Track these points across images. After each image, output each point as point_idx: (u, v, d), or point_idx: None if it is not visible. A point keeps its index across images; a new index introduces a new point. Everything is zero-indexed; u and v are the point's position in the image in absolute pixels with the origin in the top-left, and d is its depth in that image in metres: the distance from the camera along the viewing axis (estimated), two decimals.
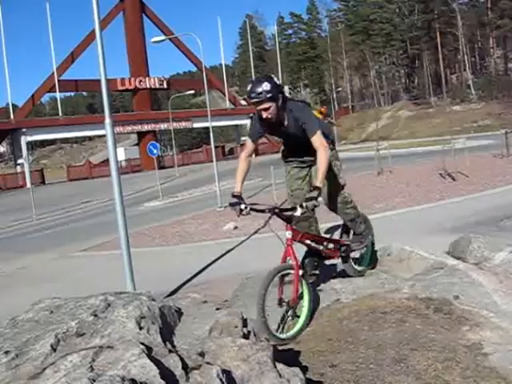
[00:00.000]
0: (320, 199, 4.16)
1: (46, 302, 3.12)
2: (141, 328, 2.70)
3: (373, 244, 5.56)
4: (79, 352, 2.49)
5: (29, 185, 41.40)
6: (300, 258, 4.58)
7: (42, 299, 3.17)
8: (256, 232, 12.84)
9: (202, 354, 2.70)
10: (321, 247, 4.84)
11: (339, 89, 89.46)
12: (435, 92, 77.57)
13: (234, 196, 4.40)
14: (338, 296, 4.72)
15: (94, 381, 2.21)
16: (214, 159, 23.15)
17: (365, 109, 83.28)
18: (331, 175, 4.78)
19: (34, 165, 69.80)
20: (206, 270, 10.23)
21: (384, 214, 14.15)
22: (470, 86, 73.10)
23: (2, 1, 54.49)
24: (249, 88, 4.26)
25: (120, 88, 59.83)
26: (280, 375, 2.69)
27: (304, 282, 4.28)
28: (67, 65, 55.02)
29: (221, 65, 75.76)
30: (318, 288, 4.91)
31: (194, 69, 75.42)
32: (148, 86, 60.63)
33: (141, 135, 60.43)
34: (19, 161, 51.44)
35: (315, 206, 4.12)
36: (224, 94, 66.78)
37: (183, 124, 63.98)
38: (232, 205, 4.36)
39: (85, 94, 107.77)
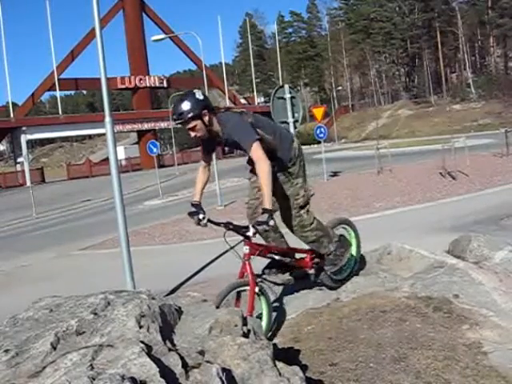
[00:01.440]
0: (271, 222, 3.85)
1: (45, 300, 3.12)
2: (141, 326, 2.70)
3: (358, 250, 5.23)
4: (79, 350, 2.49)
5: (29, 183, 41.37)
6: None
7: (41, 298, 3.17)
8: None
9: (201, 353, 2.70)
10: (287, 259, 4.56)
11: (339, 87, 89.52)
12: (435, 91, 77.57)
13: (192, 205, 4.38)
14: (337, 295, 4.73)
15: (94, 379, 2.21)
16: (214, 158, 23.13)
17: (365, 108, 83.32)
18: (284, 195, 4.44)
19: (33, 163, 69.69)
20: (205, 269, 10.24)
21: (384, 213, 14.16)
22: (470, 85, 73.11)
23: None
24: (171, 109, 4.14)
25: (120, 86, 59.87)
26: (280, 374, 2.69)
27: (263, 298, 4.17)
28: (67, 63, 55.07)
29: (221, 63, 75.76)
30: (318, 287, 4.91)
31: (194, 67, 75.56)
32: (148, 85, 60.68)
33: (141, 134, 60.49)
34: (19, 159, 51.46)
35: (266, 231, 4.04)
36: (224, 93, 66.77)
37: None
38: (190, 214, 4.33)
39: (85, 92, 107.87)
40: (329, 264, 4.67)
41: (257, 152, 3.94)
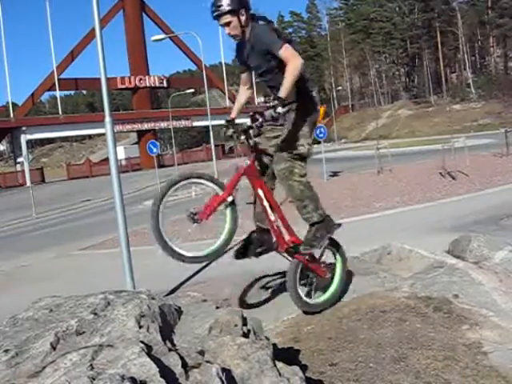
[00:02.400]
0: (279, 109, 3.66)
1: (45, 300, 3.12)
2: (140, 326, 2.70)
3: (343, 265, 4.62)
4: (79, 350, 2.49)
5: (28, 183, 41.38)
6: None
7: (41, 298, 3.17)
8: None
9: (201, 353, 2.70)
10: (272, 216, 4.16)
11: (339, 87, 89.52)
12: (435, 91, 77.60)
13: (226, 121, 4.25)
14: None
15: (94, 379, 2.21)
16: (214, 158, 23.18)
17: (365, 108, 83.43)
18: (288, 133, 4.11)
19: (33, 163, 69.74)
20: (205, 269, 10.23)
21: (384, 213, 14.15)
22: (469, 85, 73.15)
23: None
24: (209, 4, 3.96)
25: (120, 86, 59.89)
26: (280, 374, 2.69)
27: (230, 210, 3.95)
28: (67, 63, 55.09)
29: (221, 63, 75.69)
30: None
31: (194, 67, 75.59)
32: (148, 85, 60.70)
33: (141, 134, 60.49)
34: (19, 159, 51.49)
35: (273, 117, 3.70)
36: (224, 93, 66.82)
37: (183, 123, 64.03)
38: (224, 131, 4.22)
39: (85, 92, 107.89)
40: (305, 244, 4.22)
41: (289, 49, 3.79)
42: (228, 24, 3.90)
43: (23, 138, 50.41)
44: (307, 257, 4.35)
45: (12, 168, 58.38)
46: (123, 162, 54.43)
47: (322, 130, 23.88)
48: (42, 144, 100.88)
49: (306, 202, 4.14)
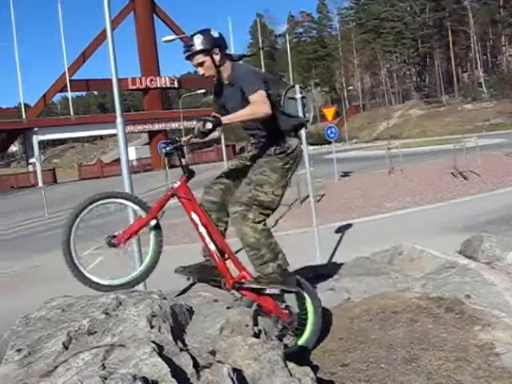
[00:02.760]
0: (208, 125, 3.42)
1: (57, 300, 3.13)
2: (152, 326, 2.71)
3: (315, 314, 3.87)
4: (91, 350, 2.51)
5: (40, 184, 41.69)
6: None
7: (53, 298, 3.19)
8: None
9: (213, 353, 2.70)
10: (212, 245, 3.66)
11: (350, 87, 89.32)
12: (446, 90, 77.21)
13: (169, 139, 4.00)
14: (348, 295, 4.72)
15: (106, 379, 2.22)
16: (225, 158, 23.20)
17: (376, 107, 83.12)
18: (251, 177, 3.74)
19: (45, 164, 70.23)
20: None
21: (395, 213, 14.14)
22: (481, 85, 72.71)
23: (14, 1, 54.79)
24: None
25: (131, 87, 60.04)
26: (291, 374, 2.69)
27: (153, 235, 3.65)
28: (78, 64, 55.31)
29: None
30: (329, 287, 4.90)
31: None
32: (159, 86, 60.81)
33: (152, 134, 60.62)
34: (31, 160, 51.86)
35: (201, 133, 3.49)
36: None
37: (194, 123, 64.05)
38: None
39: (96, 93, 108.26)
40: (254, 280, 3.69)
41: (261, 97, 3.51)
42: (201, 64, 3.72)
43: (35, 139, 50.73)
44: (256, 292, 3.69)
45: (24, 169, 58.69)
46: (134, 163, 54.57)
47: (333, 129, 23.86)
48: (54, 145, 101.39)
49: (262, 250, 3.62)
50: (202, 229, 3.64)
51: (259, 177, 3.69)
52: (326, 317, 4.01)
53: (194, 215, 3.66)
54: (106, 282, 3.42)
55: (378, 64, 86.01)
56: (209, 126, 3.43)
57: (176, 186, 3.70)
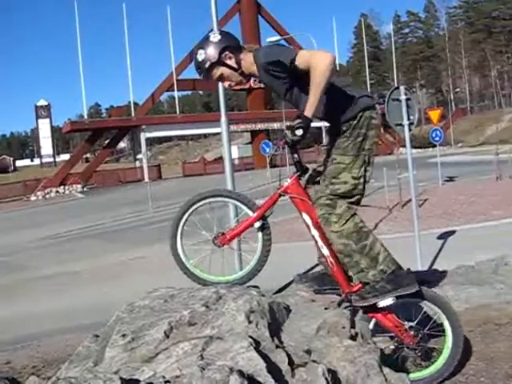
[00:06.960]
0: (298, 132, 3.00)
1: (160, 290, 3.26)
2: (250, 322, 2.75)
3: (454, 331, 3.25)
4: (190, 340, 2.59)
5: (146, 179, 43.22)
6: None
7: (157, 288, 3.32)
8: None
9: (308, 352, 2.71)
10: (325, 250, 3.25)
11: (457, 89, 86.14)
12: None
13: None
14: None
15: (204, 369, 2.29)
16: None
17: (484, 110, 79.68)
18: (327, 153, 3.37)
19: (151, 160, 72.90)
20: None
21: (502, 222, 13.50)
22: None
23: (126, 2, 57.42)
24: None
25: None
26: (386, 379, 2.65)
27: (261, 236, 3.48)
28: (185, 64, 56.88)
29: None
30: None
31: None
32: (262, 86, 61.37)
33: (254, 134, 61.35)
34: (138, 156, 54.08)
35: (292, 141, 3.06)
36: None
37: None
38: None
39: (201, 92, 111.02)
40: (358, 294, 3.18)
41: (305, 54, 3.05)
42: (221, 77, 3.37)
43: (143, 136, 52.82)
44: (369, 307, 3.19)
45: (132, 164, 61.21)
46: (236, 161, 55.47)
47: (438, 132, 23.12)
48: (160, 142, 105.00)
49: (355, 257, 3.14)
50: (313, 231, 3.27)
51: (331, 168, 3.23)
52: None
53: (305, 216, 3.29)
54: (212, 279, 3.41)
55: (487, 65, 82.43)
56: (299, 132, 3.01)
57: (286, 184, 3.35)
